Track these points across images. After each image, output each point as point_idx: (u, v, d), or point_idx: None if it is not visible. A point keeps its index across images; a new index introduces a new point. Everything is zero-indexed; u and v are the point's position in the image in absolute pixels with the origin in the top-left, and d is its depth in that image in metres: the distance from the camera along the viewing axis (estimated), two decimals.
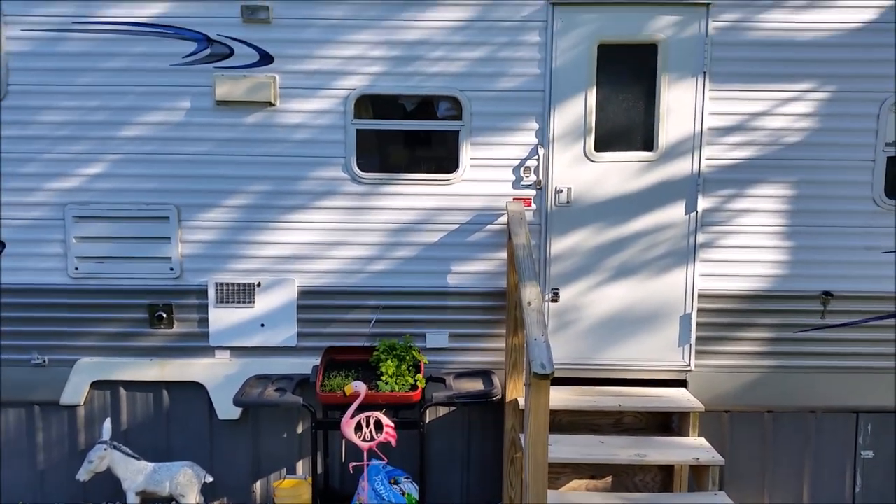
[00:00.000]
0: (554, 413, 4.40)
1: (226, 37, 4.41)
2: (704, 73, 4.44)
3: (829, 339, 4.67)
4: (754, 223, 4.58)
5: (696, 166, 4.51)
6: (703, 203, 4.54)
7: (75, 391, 4.63)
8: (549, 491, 3.80)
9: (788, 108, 4.51)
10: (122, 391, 4.67)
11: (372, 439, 4.08)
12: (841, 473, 4.82)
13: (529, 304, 3.67)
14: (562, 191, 4.53)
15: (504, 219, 4.50)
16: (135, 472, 4.23)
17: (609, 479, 4.43)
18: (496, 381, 4.40)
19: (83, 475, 4.17)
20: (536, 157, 4.52)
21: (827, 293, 4.64)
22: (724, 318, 4.64)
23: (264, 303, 4.59)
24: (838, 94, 4.50)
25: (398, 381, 4.20)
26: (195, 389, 4.63)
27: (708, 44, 4.42)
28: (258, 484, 4.74)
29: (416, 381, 4.21)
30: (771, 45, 4.44)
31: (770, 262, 4.61)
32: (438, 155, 4.58)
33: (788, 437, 4.78)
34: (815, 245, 4.60)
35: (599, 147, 4.52)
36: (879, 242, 4.62)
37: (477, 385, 4.33)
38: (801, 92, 4.50)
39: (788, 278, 4.62)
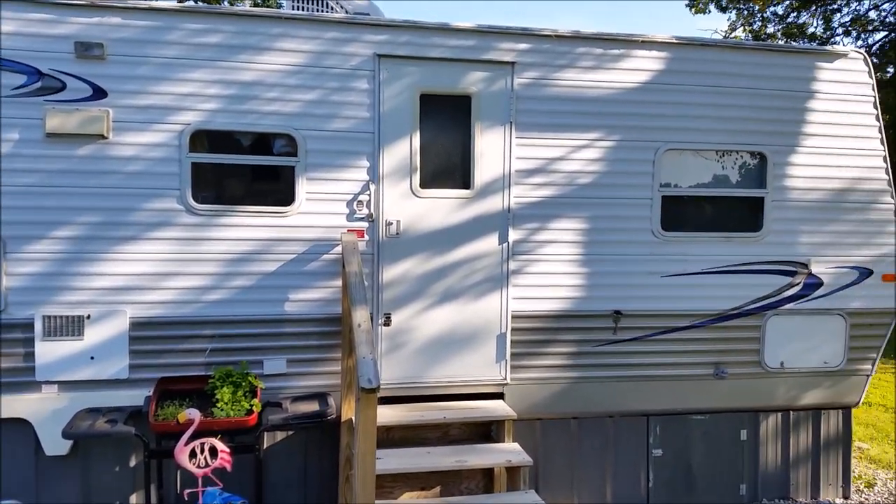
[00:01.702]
0: (386, 429, 4.77)
1: (58, 71, 4.44)
2: (511, 122, 5.07)
3: (620, 351, 5.38)
4: (556, 252, 5.23)
5: (506, 203, 5.10)
6: (513, 235, 5.13)
7: None
8: (379, 501, 4.13)
9: (581, 154, 5.23)
10: None
11: (207, 465, 4.19)
12: (636, 471, 5.51)
13: (360, 325, 4.01)
14: (391, 223, 4.95)
15: (339, 249, 4.82)
16: None
17: (438, 488, 4.80)
18: (332, 402, 4.68)
19: None
20: (368, 192, 4.91)
21: (617, 312, 5.37)
22: (533, 335, 5.22)
23: (94, 335, 4.57)
24: (622, 142, 5.29)
25: (234, 406, 4.35)
26: (20, 426, 4.49)
27: (513, 97, 5.06)
28: None
29: (251, 406, 4.38)
30: (566, 100, 5.15)
31: (570, 286, 5.26)
32: (275, 188, 4.84)
33: (591, 440, 5.41)
34: (607, 270, 5.31)
35: (424, 184, 4.99)
36: (659, 268, 5.42)
37: (313, 407, 4.58)
38: (591, 140, 5.24)
39: (586, 300, 5.29)
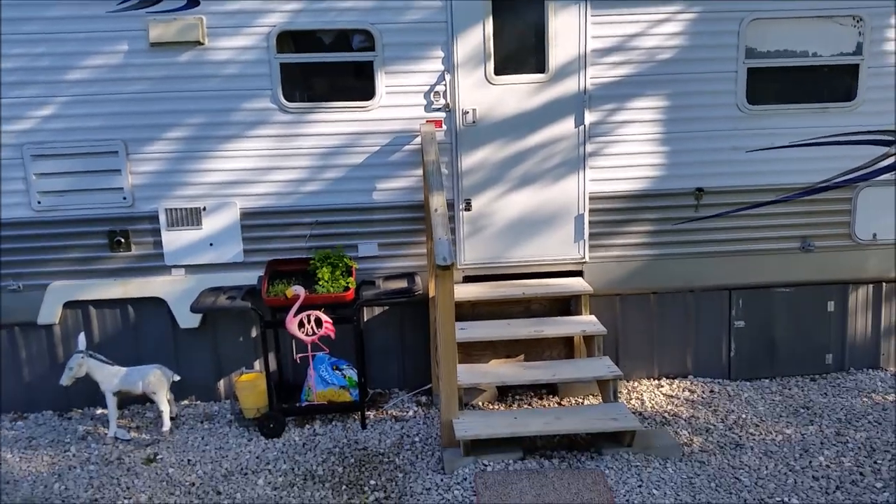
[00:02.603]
0: (471, 304, 5.20)
1: None
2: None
3: (702, 228, 5.45)
4: (635, 132, 5.28)
5: (582, 84, 5.16)
6: (589, 117, 5.21)
7: (50, 312, 5.22)
8: (460, 365, 4.61)
9: (660, 29, 5.14)
10: (92, 309, 5.28)
11: (314, 334, 4.79)
12: (717, 342, 5.66)
13: (436, 210, 4.35)
14: (468, 112, 5.16)
15: (419, 139, 5.11)
16: (110, 376, 4.89)
17: (522, 356, 5.23)
18: (419, 280, 5.12)
19: (65, 380, 4.82)
20: (444, 82, 5.11)
21: (700, 189, 5.41)
22: (612, 215, 5.39)
23: (211, 224, 5.19)
24: (703, 13, 5.14)
25: (333, 284, 4.89)
26: (157, 304, 5.26)
27: None
28: (221, 382, 5.45)
29: (348, 283, 4.90)
30: None
31: (650, 165, 5.33)
32: (357, 84, 5.13)
33: (671, 313, 5.58)
34: (688, 148, 5.32)
35: (498, 71, 5.13)
36: (745, 142, 5.36)
37: (402, 284, 5.04)
38: (670, 13, 5.13)
39: (666, 178, 5.36)
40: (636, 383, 5.57)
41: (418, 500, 3.91)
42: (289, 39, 5.02)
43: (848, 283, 5.64)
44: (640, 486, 3.92)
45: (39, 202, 5.07)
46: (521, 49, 5.13)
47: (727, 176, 5.37)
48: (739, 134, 5.32)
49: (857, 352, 5.73)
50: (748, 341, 5.65)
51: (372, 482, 4.14)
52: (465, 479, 4.04)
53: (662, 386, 5.51)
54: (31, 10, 4.84)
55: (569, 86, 5.15)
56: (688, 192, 5.38)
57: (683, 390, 5.41)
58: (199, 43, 4.91)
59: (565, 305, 5.36)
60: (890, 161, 5.41)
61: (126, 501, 4.06)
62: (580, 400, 5.23)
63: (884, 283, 5.68)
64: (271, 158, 5.14)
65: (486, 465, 4.15)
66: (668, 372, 5.67)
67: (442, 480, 4.07)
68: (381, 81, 5.07)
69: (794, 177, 5.39)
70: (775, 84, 5.35)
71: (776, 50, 5.26)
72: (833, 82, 5.34)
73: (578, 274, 5.46)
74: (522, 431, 4.27)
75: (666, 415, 4.97)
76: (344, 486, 4.11)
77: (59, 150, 5.02)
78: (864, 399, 5.14)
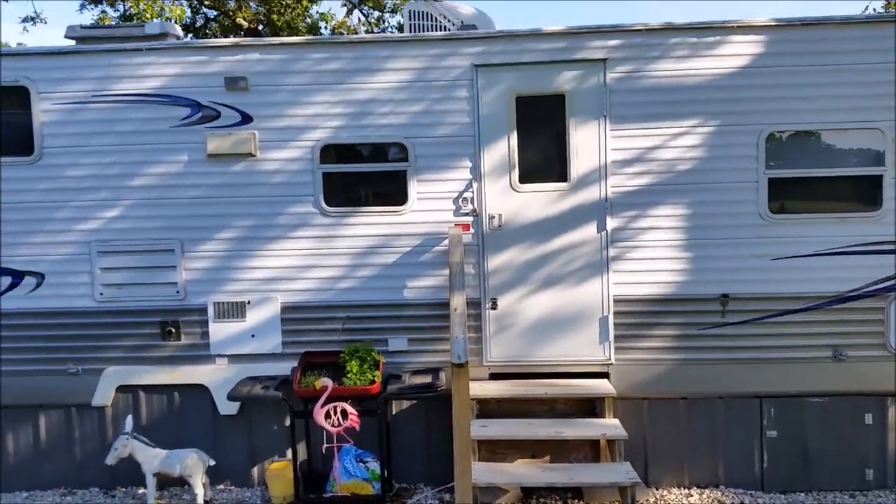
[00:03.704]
0: (498, 401, 5.34)
1: (214, 102, 5.47)
2: (605, 115, 5.37)
3: (729, 334, 5.47)
4: (657, 238, 5.45)
5: (603, 192, 5.42)
6: (611, 223, 5.44)
7: (104, 394, 5.66)
8: (476, 463, 4.72)
9: (680, 142, 5.40)
10: (142, 393, 5.70)
11: (339, 425, 5.03)
12: (749, 451, 5.55)
13: (455, 310, 4.62)
14: (494, 217, 5.48)
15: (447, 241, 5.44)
16: (151, 457, 5.22)
17: (548, 457, 5.28)
18: (443, 376, 5.32)
19: (110, 460, 5.18)
20: (471, 189, 5.47)
21: (725, 295, 5.48)
22: (637, 318, 5.50)
23: (254, 317, 5.58)
24: (722, 126, 5.38)
25: (360, 377, 5.15)
26: (200, 390, 5.63)
27: (606, 92, 5.35)
28: (255, 468, 5.71)
29: (374, 377, 5.15)
30: (661, 90, 5.35)
31: (674, 271, 5.46)
32: (391, 190, 5.55)
33: (701, 420, 5.54)
34: (712, 255, 5.44)
35: (523, 180, 5.46)
36: (769, 250, 5.45)
37: (426, 380, 5.26)
38: (689, 127, 5.39)
39: (690, 283, 5.47)
40: (665, 492, 5.50)
41: None
42: (331, 151, 5.52)
43: (886, 396, 5.49)
44: None
45: (102, 294, 5.60)
46: (544, 159, 5.47)
47: (753, 283, 5.43)
48: (763, 242, 5.41)
49: None
50: (782, 452, 5.53)
51: None
52: None
53: (692, 496, 5.43)
54: (103, 126, 5.52)
55: (590, 193, 5.42)
56: (713, 297, 5.46)
57: (712, 501, 5.32)
58: (251, 155, 5.46)
59: (590, 407, 5.43)
60: None
61: None
62: None
63: None
64: (311, 257, 5.54)
65: None
66: (699, 481, 5.58)
67: None
68: (414, 188, 5.47)
69: (821, 285, 5.41)
70: (798, 193, 5.47)
71: (797, 161, 5.40)
72: (857, 192, 5.42)
73: (604, 375, 5.54)
74: None
75: None
76: None
77: (122, 248, 5.59)
78: None
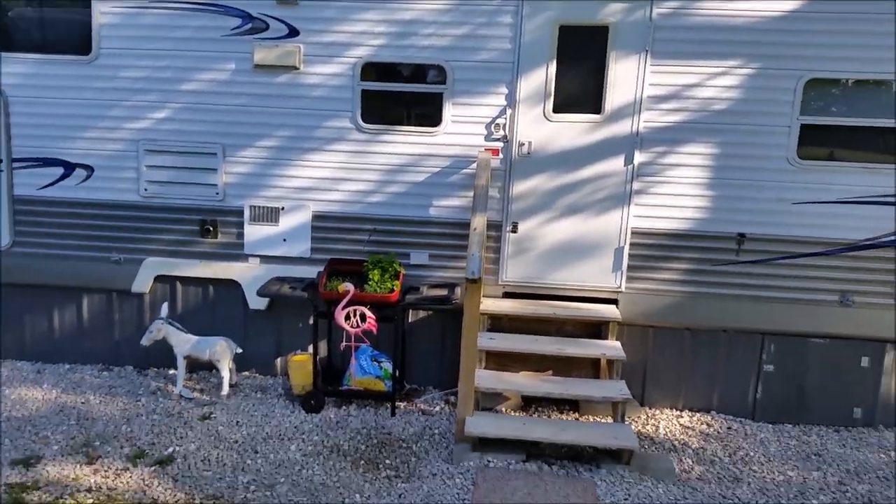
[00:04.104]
0: (510, 318, 5.65)
1: (264, 14, 5.63)
2: (647, 50, 5.42)
3: (741, 272, 5.66)
4: (683, 175, 5.58)
5: (635, 127, 5.54)
6: (639, 157, 5.58)
7: (143, 282, 6.08)
8: (481, 370, 5.06)
9: (718, 81, 5.44)
10: (178, 284, 6.11)
11: (357, 326, 5.39)
12: (745, 384, 5.80)
13: (475, 229, 4.86)
14: (524, 144, 5.64)
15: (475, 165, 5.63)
16: (183, 342, 5.66)
17: (550, 371, 5.60)
18: (458, 291, 5.61)
19: (145, 341, 5.63)
20: (505, 116, 5.62)
21: (742, 234, 5.65)
22: (652, 251, 5.69)
23: (286, 222, 5.90)
24: (762, 69, 5.40)
25: (381, 285, 5.47)
26: (233, 286, 6.02)
27: (651, 27, 5.39)
28: (278, 360, 6.14)
29: (393, 286, 5.47)
30: (706, 28, 5.37)
31: (694, 207, 5.61)
32: (427, 112, 5.71)
33: (703, 350, 5.80)
34: (734, 195, 5.56)
35: (557, 109, 5.58)
36: (792, 195, 5.56)
37: (442, 293, 5.57)
38: (729, 67, 5.42)
39: (709, 221, 5.62)
40: (657, 411, 5.82)
41: (423, 482, 4.40)
42: (372, 69, 5.68)
43: (885, 342, 5.68)
44: (626, 500, 4.25)
45: (146, 189, 5.94)
46: (580, 90, 5.56)
47: (771, 225, 5.58)
48: (787, 186, 5.52)
49: (889, 410, 5.74)
50: (776, 386, 5.78)
51: (387, 461, 4.68)
52: (468, 471, 4.50)
53: (682, 417, 5.75)
54: (158, 31, 5.73)
55: (622, 127, 5.54)
56: (730, 236, 5.63)
57: (701, 423, 5.64)
58: (295, 68, 5.65)
59: (596, 330, 5.71)
60: None
61: (177, 447, 4.76)
62: (598, 418, 5.55)
63: None
64: (344, 171, 5.79)
65: (489, 462, 4.60)
66: (693, 405, 5.88)
67: (448, 469, 4.55)
68: (448, 111, 5.64)
69: (839, 232, 5.54)
70: (829, 140, 5.53)
71: (833, 109, 5.45)
72: (887, 144, 5.46)
73: (613, 302, 5.79)
74: (525, 436, 4.69)
75: (676, 443, 5.23)
76: (362, 461, 4.67)
77: (167, 148, 5.88)
78: (881, 455, 5.21)
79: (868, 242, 5.53)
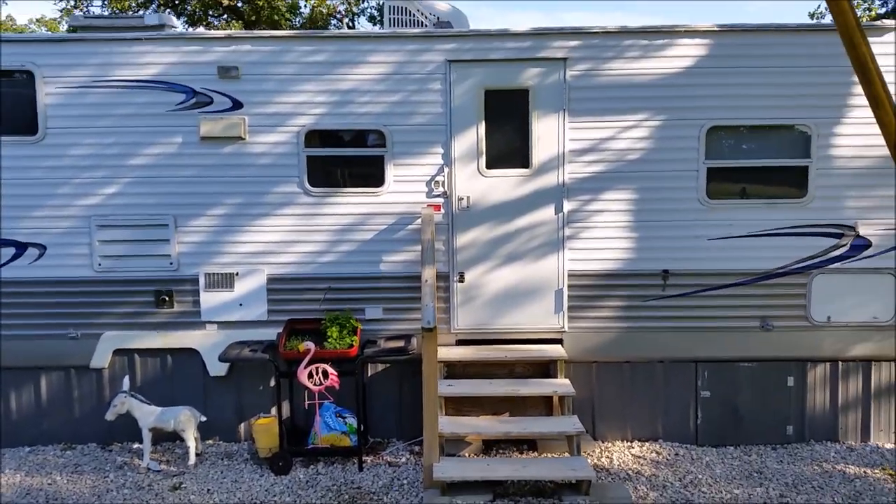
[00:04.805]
0: (464, 364, 5.95)
1: (207, 89, 5.94)
2: (564, 109, 5.96)
3: (669, 305, 6.15)
4: (608, 220, 6.08)
5: (561, 178, 6.02)
6: (567, 205, 6.05)
7: (101, 357, 6.16)
8: (442, 417, 5.34)
9: (630, 133, 6.01)
10: (137, 356, 6.20)
11: (320, 384, 5.61)
12: (685, 410, 6.27)
13: (426, 281, 5.20)
14: (463, 198, 6.05)
15: (420, 220, 6.00)
16: (147, 414, 5.74)
17: (507, 413, 5.92)
18: (414, 341, 5.91)
19: (109, 416, 5.69)
20: (443, 173, 6.03)
21: (666, 271, 6.15)
22: (588, 291, 6.14)
23: (242, 287, 6.11)
24: (668, 121, 6.00)
25: (340, 341, 5.72)
26: (191, 354, 6.15)
27: (566, 87, 5.93)
28: (242, 425, 6.26)
29: (352, 341, 5.73)
30: (615, 87, 5.94)
31: (621, 249, 6.10)
32: (370, 173, 6.08)
33: (643, 381, 6.24)
34: (655, 235, 6.08)
35: (489, 165, 6.03)
36: (706, 231, 6.11)
37: (399, 344, 5.85)
38: (639, 120, 6.00)
39: (636, 260, 6.12)
40: (610, 444, 6.19)
41: None
42: (315, 136, 6.03)
43: (806, 361, 6.22)
44: None
45: (100, 264, 6.07)
46: (508, 147, 6.04)
47: (691, 261, 6.10)
48: (701, 224, 6.08)
49: (816, 424, 6.26)
50: (714, 410, 6.24)
51: None
52: None
53: (633, 447, 6.13)
54: (103, 109, 5.96)
55: (549, 179, 6.02)
56: (655, 273, 6.12)
57: (651, 452, 6.03)
58: (241, 138, 5.95)
59: (546, 370, 6.08)
60: (840, 252, 6.09)
61: None
62: (555, 454, 5.87)
63: (840, 362, 6.24)
64: (295, 233, 6.07)
65: None
66: (640, 435, 6.28)
67: None
68: (390, 172, 6.02)
69: (752, 263, 6.10)
70: (733, 180, 6.13)
71: (734, 152, 6.08)
72: (786, 180, 6.10)
73: (559, 342, 6.18)
74: (491, 476, 4.98)
75: (630, 472, 5.59)
76: None
77: (119, 222, 6.05)
78: (815, 467, 5.69)
79: (780, 270, 6.11)
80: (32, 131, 5.98)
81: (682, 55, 5.93)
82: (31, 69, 5.90)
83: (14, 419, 6.25)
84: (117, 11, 13.72)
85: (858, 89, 5.69)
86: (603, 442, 6.21)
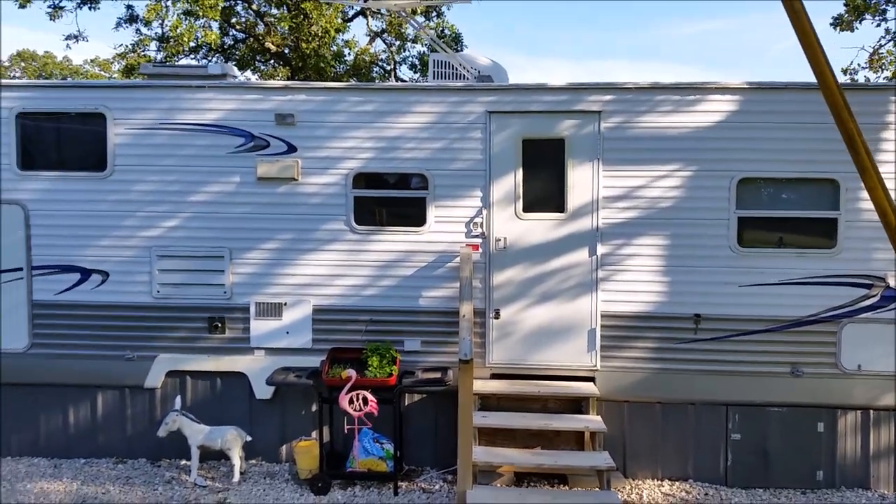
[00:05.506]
0: (498, 398, 6.18)
1: (265, 134, 6.41)
2: (598, 158, 6.26)
3: (701, 349, 6.31)
4: (640, 264, 6.31)
5: (595, 223, 6.30)
6: (601, 249, 6.31)
7: (155, 378, 6.55)
8: (476, 447, 5.56)
9: (662, 182, 6.27)
10: (188, 378, 6.58)
11: (360, 410, 5.89)
12: (716, 451, 6.37)
13: (464, 316, 5.49)
14: (500, 239, 6.36)
15: (459, 259, 6.32)
16: (196, 432, 6.09)
17: (539, 447, 6.11)
18: (451, 373, 6.18)
19: (161, 432, 6.05)
20: (481, 216, 6.36)
21: (697, 315, 6.33)
22: (621, 332, 6.35)
23: (289, 316, 6.47)
24: (699, 171, 6.25)
25: (380, 370, 6.02)
26: (240, 377, 6.51)
27: (600, 138, 6.25)
28: (284, 447, 6.57)
29: (391, 371, 6.03)
30: (648, 139, 6.24)
31: (654, 292, 6.31)
32: (412, 213, 6.43)
33: (674, 423, 6.37)
34: (687, 280, 6.28)
35: (526, 209, 6.35)
36: (737, 278, 6.30)
37: (436, 376, 6.12)
38: (671, 171, 6.26)
39: (668, 304, 6.32)
40: (640, 482, 6.32)
41: None
42: (362, 178, 6.43)
43: (836, 408, 6.29)
44: None
45: (158, 291, 6.50)
46: (545, 193, 6.34)
47: (722, 306, 6.27)
48: (732, 271, 6.26)
49: (847, 471, 6.30)
50: (744, 453, 6.33)
51: None
52: None
53: (663, 486, 6.25)
54: (167, 150, 6.46)
55: (584, 223, 6.30)
56: (687, 316, 6.31)
57: (681, 491, 6.14)
58: (294, 179, 6.39)
59: (577, 406, 6.27)
60: (870, 301, 6.21)
61: None
62: (586, 489, 6.01)
63: (871, 411, 6.30)
64: (341, 267, 6.44)
65: None
66: (671, 474, 6.39)
67: None
68: (432, 213, 6.37)
69: (783, 310, 6.24)
70: (764, 230, 6.32)
71: (764, 203, 6.28)
72: (815, 231, 6.26)
73: (591, 380, 6.38)
74: None
75: None
76: None
77: (178, 253, 6.49)
78: None
79: (810, 318, 6.24)
80: (102, 167, 6.49)
81: (713, 110, 6.21)
82: (104, 112, 6.45)
83: (71, 432, 6.65)
84: (172, 56, 14.53)
85: (885, 145, 5.97)
86: (633, 479, 6.34)
